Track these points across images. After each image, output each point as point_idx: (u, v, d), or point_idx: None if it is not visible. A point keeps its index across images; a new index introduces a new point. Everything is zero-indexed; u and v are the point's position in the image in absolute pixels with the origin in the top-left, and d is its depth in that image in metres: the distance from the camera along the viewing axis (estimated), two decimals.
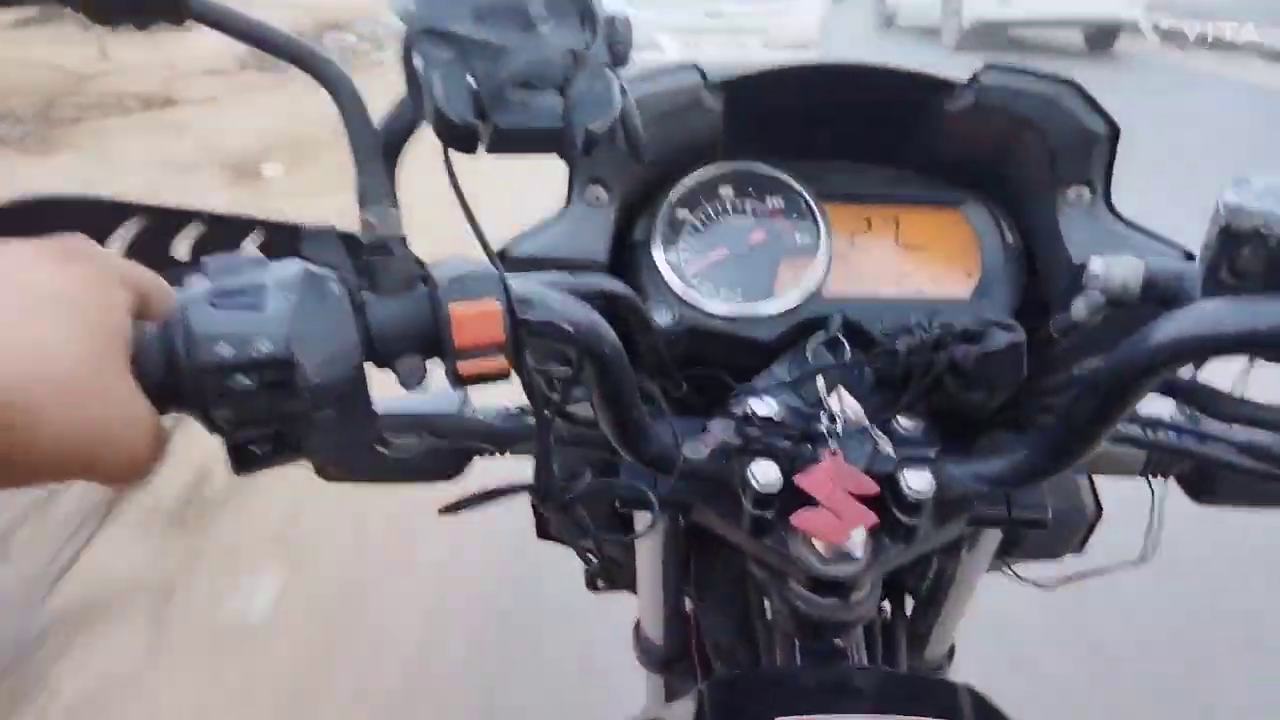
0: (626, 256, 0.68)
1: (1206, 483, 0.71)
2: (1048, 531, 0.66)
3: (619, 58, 0.42)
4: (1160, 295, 0.54)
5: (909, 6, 11.22)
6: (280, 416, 0.38)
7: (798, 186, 0.70)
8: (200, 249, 0.52)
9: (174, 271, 0.41)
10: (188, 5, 0.41)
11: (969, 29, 9.45)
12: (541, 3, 0.40)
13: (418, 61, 0.39)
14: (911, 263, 0.70)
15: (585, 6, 0.41)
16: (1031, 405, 0.63)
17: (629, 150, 0.43)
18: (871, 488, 0.55)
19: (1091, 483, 0.76)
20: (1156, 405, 0.61)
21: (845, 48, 9.64)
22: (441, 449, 0.67)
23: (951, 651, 0.89)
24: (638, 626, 0.92)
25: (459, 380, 0.43)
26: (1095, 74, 8.27)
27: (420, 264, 0.44)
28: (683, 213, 0.69)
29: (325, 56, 0.42)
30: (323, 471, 0.70)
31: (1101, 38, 9.84)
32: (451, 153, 0.40)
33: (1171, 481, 0.73)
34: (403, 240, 0.43)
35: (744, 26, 7.14)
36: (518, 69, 0.39)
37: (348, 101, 0.42)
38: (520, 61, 0.39)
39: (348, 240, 0.43)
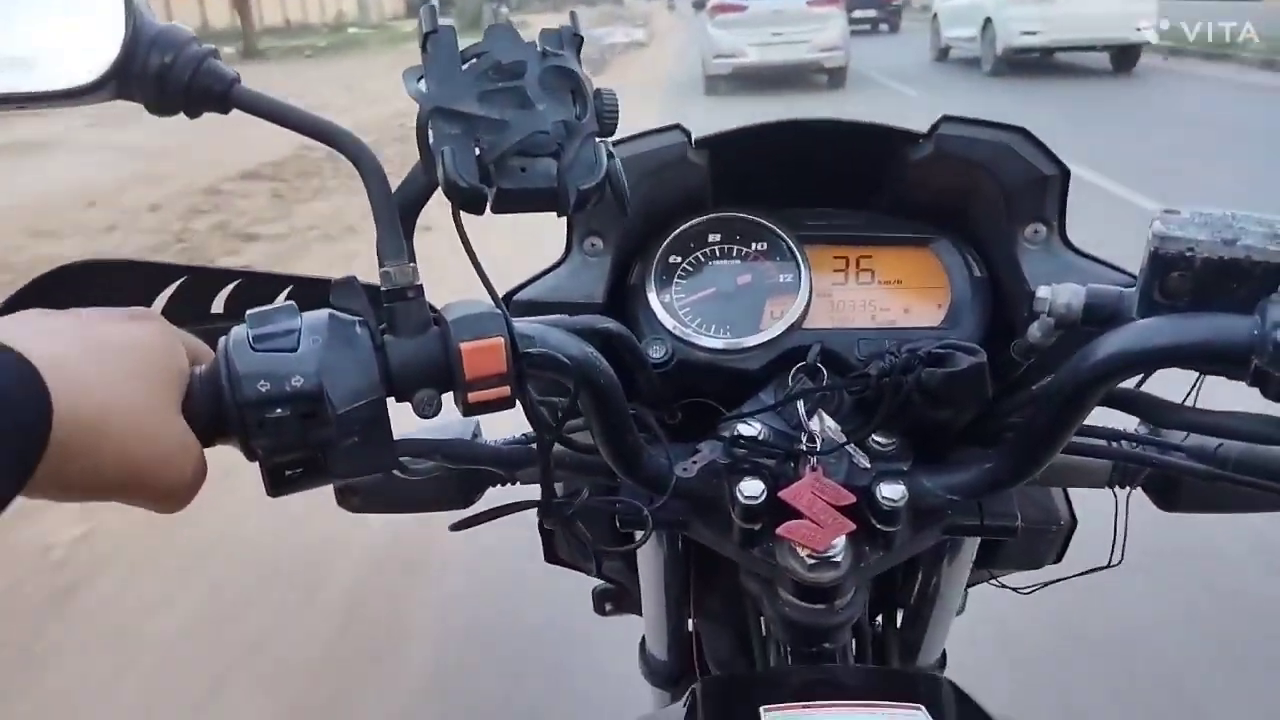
0: (622, 299, 0.75)
1: (1171, 491, 0.74)
2: (1025, 542, 0.71)
3: (606, 128, 0.48)
4: (1101, 317, 0.58)
5: (958, 41, 13.05)
6: (311, 443, 0.45)
7: (780, 231, 0.76)
8: (236, 304, 0.59)
9: (219, 328, 0.47)
10: (230, 98, 0.48)
11: (1001, 57, 11.46)
12: (538, 83, 0.46)
13: (430, 135, 0.45)
14: (886, 296, 0.76)
15: (576, 84, 0.47)
16: (998, 423, 0.68)
17: (616, 205, 0.49)
18: (848, 498, 0.60)
19: (1066, 495, 0.80)
20: (1122, 421, 0.65)
21: (911, 73, 12.46)
22: (455, 479, 0.74)
23: (944, 658, 0.94)
24: (643, 646, 0.98)
25: (468, 409, 0.48)
26: (1122, 84, 10.69)
27: (433, 309, 0.49)
28: (674, 258, 0.76)
29: (349, 132, 0.48)
30: (346, 501, 0.76)
31: (1125, 58, 11.54)
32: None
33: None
34: (418, 289, 0.48)
35: (795, 40, 11.53)
36: (517, 140, 0.45)
37: (369, 171, 0.47)
38: (519, 133, 0.45)
39: (370, 291, 0.48)
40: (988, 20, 11.63)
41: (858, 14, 15.82)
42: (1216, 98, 9.41)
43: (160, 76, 0.47)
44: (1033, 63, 11.88)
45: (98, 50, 0.46)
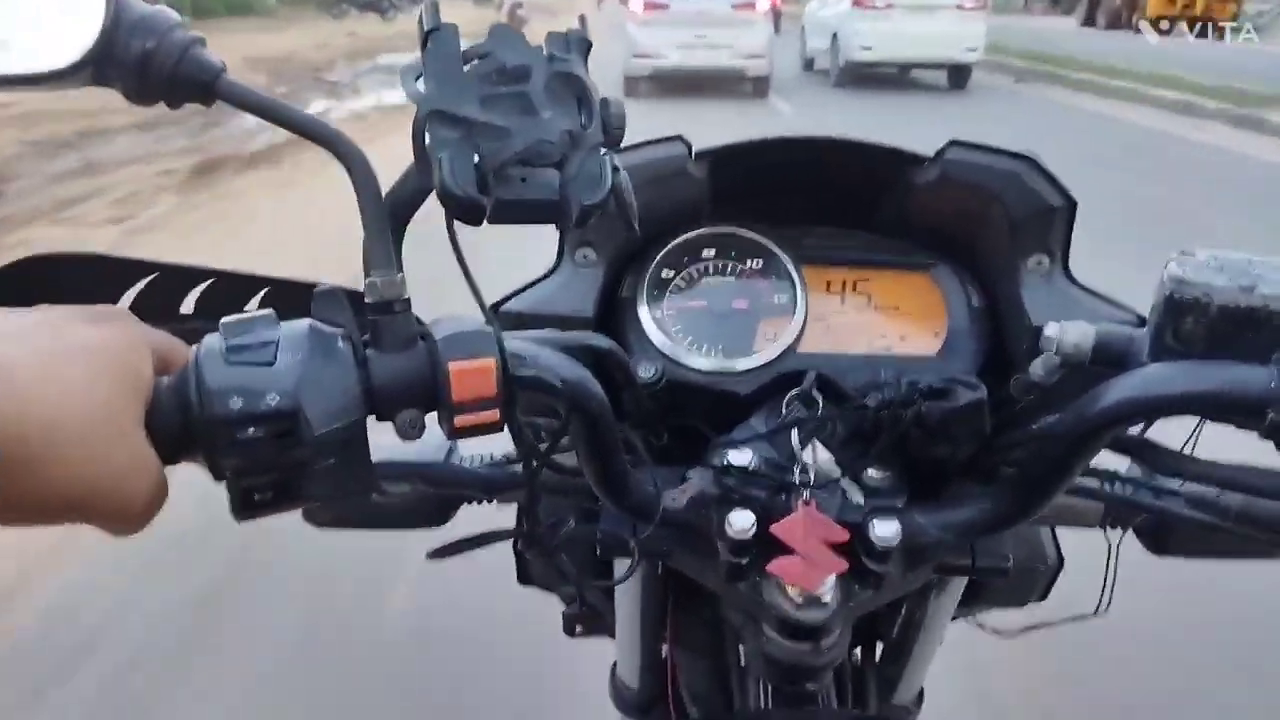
0: (613, 312, 0.71)
1: (1162, 535, 0.74)
2: (1011, 580, 0.70)
3: (613, 139, 0.45)
4: (1110, 358, 0.57)
5: (818, 54, 14.09)
6: (284, 465, 0.41)
7: (776, 250, 0.74)
8: (208, 304, 0.54)
9: (189, 329, 0.44)
10: (215, 90, 0.45)
11: (844, 69, 12.36)
12: (542, 90, 0.43)
13: (427, 139, 0.42)
14: (882, 322, 0.74)
15: (582, 93, 0.44)
16: (996, 459, 0.66)
17: (623, 222, 0.47)
18: (842, 536, 0.57)
19: (1054, 534, 0.80)
20: (1115, 461, 0.65)
21: (781, 80, 12.41)
22: (429, 497, 0.70)
23: (920, 695, 0.93)
24: (614, 672, 0.95)
25: (454, 432, 0.45)
26: (952, 97, 11.66)
27: (420, 323, 0.46)
28: (667, 272, 0.73)
29: (339, 132, 0.45)
30: (312, 517, 0.72)
31: (959, 76, 12.66)
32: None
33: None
34: (405, 302, 0.45)
35: (718, 43, 11.00)
36: (519, 148, 0.42)
37: (359, 173, 0.44)
38: (522, 142, 0.42)
39: (354, 300, 0.45)
40: (835, 35, 12.37)
41: None
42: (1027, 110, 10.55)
43: (142, 63, 0.44)
44: (881, 76, 12.65)
45: (76, 33, 0.43)
